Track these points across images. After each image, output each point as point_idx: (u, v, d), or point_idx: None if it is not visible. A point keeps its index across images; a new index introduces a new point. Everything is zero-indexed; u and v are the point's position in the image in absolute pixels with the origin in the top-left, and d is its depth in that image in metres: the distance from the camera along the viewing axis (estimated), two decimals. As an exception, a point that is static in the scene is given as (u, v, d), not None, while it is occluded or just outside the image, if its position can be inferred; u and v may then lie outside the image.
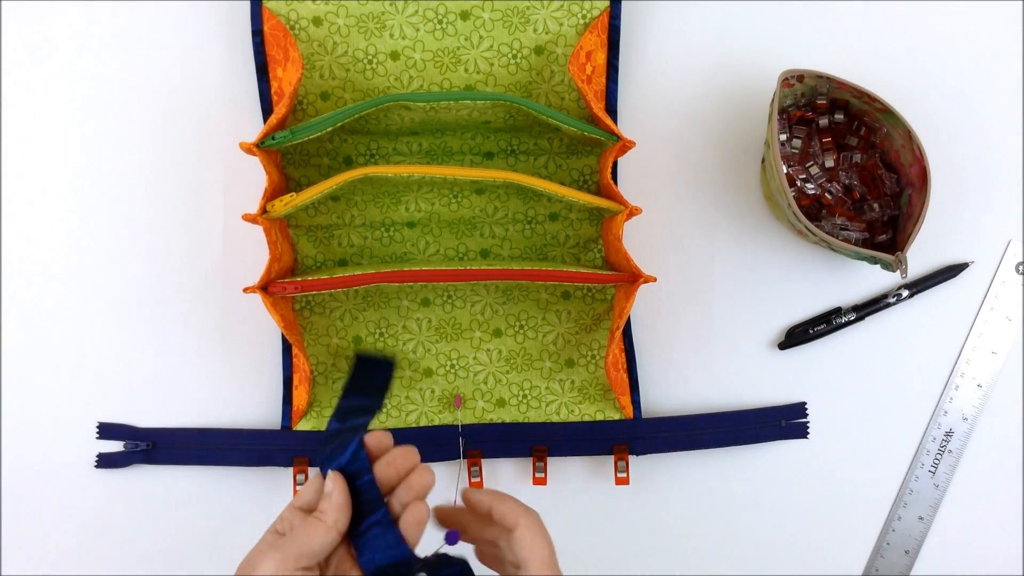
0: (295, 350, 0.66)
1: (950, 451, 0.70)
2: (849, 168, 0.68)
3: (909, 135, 0.63)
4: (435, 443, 0.68)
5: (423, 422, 0.68)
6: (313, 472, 0.53)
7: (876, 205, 0.67)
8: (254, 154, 0.60)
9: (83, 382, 0.69)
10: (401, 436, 0.67)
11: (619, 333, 0.64)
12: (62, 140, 0.69)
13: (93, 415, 0.69)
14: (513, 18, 0.67)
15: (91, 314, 0.69)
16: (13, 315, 0.69)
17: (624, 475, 0.67)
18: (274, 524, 0.48)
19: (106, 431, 0.68)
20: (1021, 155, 0.70)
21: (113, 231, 0.69)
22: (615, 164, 0.67)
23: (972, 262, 0.70)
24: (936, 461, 0.70)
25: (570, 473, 0.69)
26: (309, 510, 0.47)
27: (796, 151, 0.68)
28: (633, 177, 0.70)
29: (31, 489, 0.69)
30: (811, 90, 0.66)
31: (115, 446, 0.68)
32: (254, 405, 0.69)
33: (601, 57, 0.67)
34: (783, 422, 0.69)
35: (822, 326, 0.69)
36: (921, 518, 0.70)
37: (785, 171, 0.68)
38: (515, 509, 0.49)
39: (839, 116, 0.68)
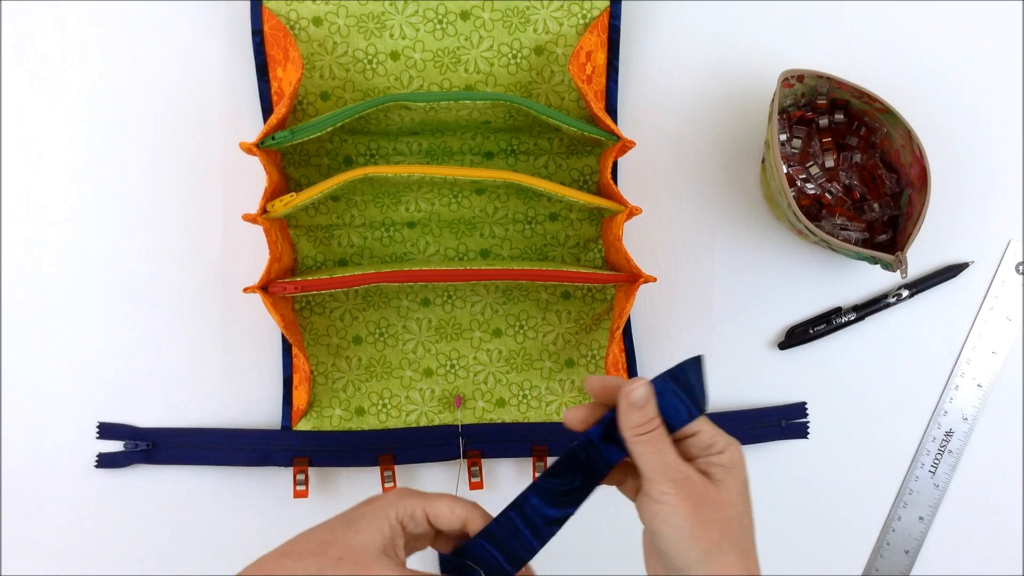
0: (295, 350, 0.66)
1: (950, 451, 0.70)
2: (849, 168, 0.68)
3: (909, 135, 0.63)
4: (435, 443, 0.68)
5: (423, 422, 0.68)
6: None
7: (876, 205, 0.67)
8: (254, 154, 0.60)
9: (83, 382, 0.69)
10: (401, 436, 0.67)
11: (619, 333, 0.64)
12: (62, 140, 0.69)
13: (93, 415, 0.69)
14: (513, 18, 0.67)
15: (91, 314, 0.69)
16: (13, 315, 0.69)
17: (624, 475, 0.67)
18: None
19: (106, 431, 0.68)
20: (1021, 155, 0.70)
21: (113, 231, 0.69)
22: (615, 164, 0.67)
23: (972, 262, 0.70)
24: (936, 461, 0.70)
25: (570, 473, 0.69)
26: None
27: (796, 151, 0.68)
28: (633, 177, 0.70)
29: (31, 489, 0.69)
30: (811, 90, 0.66)
31: (115, 446, 0.68)
32: (254, 405, 0.69)
33: (601, 57, 0.67)
34: (783, 422, 0.69)
35: (822, 326, 0.69)
36: (921, 518, 0.70)
37: (785, 171, 0.68)
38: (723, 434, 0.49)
39: (839, 116, 0.68)
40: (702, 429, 0.48)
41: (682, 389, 0.47)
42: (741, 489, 0.47)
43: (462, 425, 0.68)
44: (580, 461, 0.48)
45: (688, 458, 0.48)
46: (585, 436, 0.48)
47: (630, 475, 0.50)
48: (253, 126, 0.69)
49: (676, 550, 0.46)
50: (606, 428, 0.48)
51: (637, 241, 0.69)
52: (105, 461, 0.68)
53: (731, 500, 0.46)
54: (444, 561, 0.50)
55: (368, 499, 0.50)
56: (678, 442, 0.48)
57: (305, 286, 0.60)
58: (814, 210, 0.68)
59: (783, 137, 0.68)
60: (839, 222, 0.67)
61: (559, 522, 0.49)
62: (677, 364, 0.48)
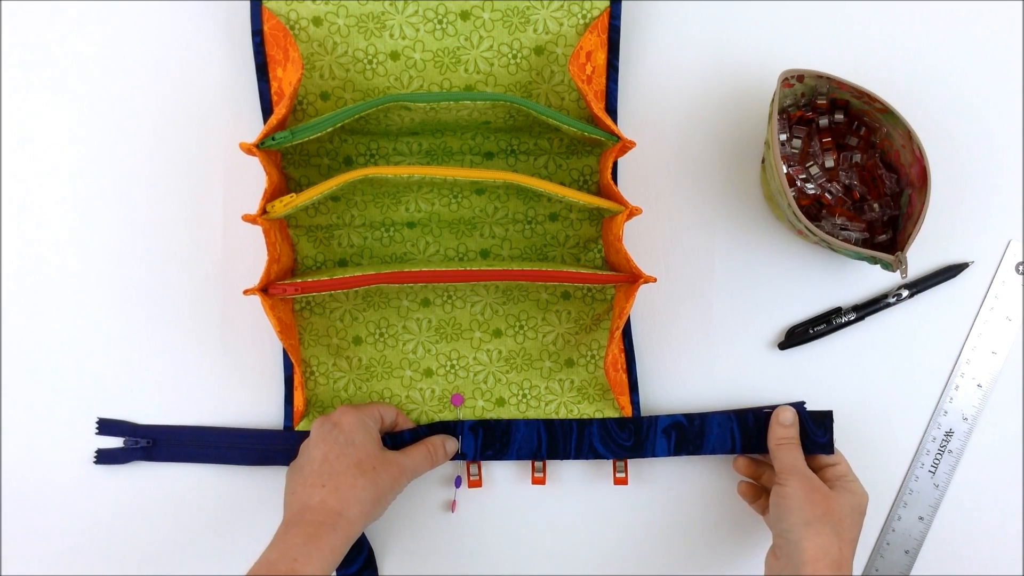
0: (290, 357, 0.66)
1: (950, 451, 0.70)
2: (849, 168, 0.68)
3: (909, 135, 0.63)
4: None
5: (423, 421, 0.68)
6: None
7: (876, 205, 0.67)
8: (254, 154, 0.60)
9: (83, 380, 0.69)
10: (402, 435, 0.67)
11: (619, 333, 0.64)
12: (62, 140, 0.69)
13: (93, 411, 0.69)
14: (513, 18, 0.67)
15: (92, 313, 0.69)
16: (13, 314, 0.69)
17: (623, 475, 0.67)
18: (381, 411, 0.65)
19: (106, 427, 0.68)
20: (1021, 155, 0.70)
21: (113, 231, 0.69)
22: (615, 164, 0.67)
23: (972, 262, 0.70)
24: (936, 461, 0.70)
25: (569, 473, 0.69)
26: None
27: (796, 151, 0.68)
28: (633, 177, 0.70)
29: (30, 484, 0.69)
30: (811, 90, 0.66)
31: (114, 442, 0.68)
32: (255, 405, 0.69)
33: (601, 57, 0.67)
34: (783, 422, 0.70)
35: (822, 326, 0.69)
36: (921, 518, 0.70)
37: (785, 171, 0.68)
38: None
39: (839, 116, 0.68)
40: (840, 462, 0.64)
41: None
42: (853, 505, 0.61)
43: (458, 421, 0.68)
44: (640, 431, 0.67)
45: (824, 479, 0.63)
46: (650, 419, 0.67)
47: (763, 494, 0.66)
48: (253, 126, 0.69)
49: (788, 517, 0.60)
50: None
51: (637, 241, 0.69)
52: (104, 457, 0.68)
53: (840, 501, 0.61)
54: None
55: (332, 423, 0.61)
56: (821, 469, 0.64)
57: (305, 287, 0.60)
58: (814, 210, 0.68)
59: (783, 137, 0.68)
60: (839, 222, 0.67)
61: (596, 455, 0.66)
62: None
